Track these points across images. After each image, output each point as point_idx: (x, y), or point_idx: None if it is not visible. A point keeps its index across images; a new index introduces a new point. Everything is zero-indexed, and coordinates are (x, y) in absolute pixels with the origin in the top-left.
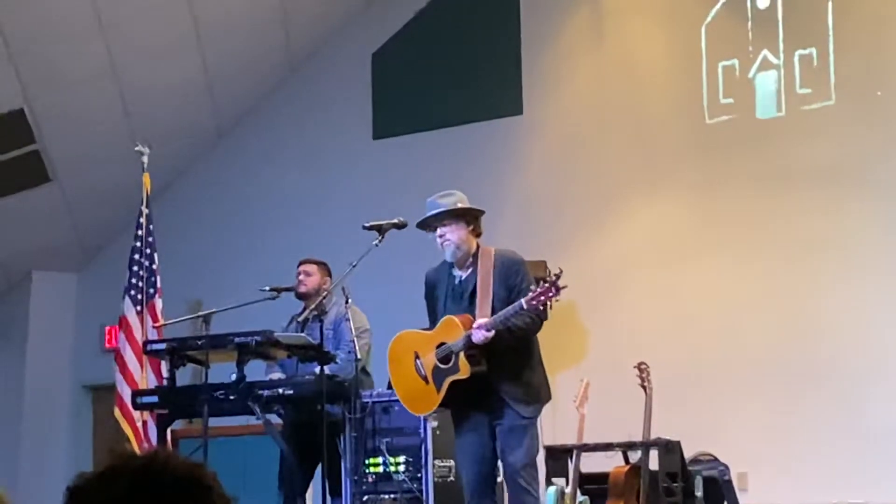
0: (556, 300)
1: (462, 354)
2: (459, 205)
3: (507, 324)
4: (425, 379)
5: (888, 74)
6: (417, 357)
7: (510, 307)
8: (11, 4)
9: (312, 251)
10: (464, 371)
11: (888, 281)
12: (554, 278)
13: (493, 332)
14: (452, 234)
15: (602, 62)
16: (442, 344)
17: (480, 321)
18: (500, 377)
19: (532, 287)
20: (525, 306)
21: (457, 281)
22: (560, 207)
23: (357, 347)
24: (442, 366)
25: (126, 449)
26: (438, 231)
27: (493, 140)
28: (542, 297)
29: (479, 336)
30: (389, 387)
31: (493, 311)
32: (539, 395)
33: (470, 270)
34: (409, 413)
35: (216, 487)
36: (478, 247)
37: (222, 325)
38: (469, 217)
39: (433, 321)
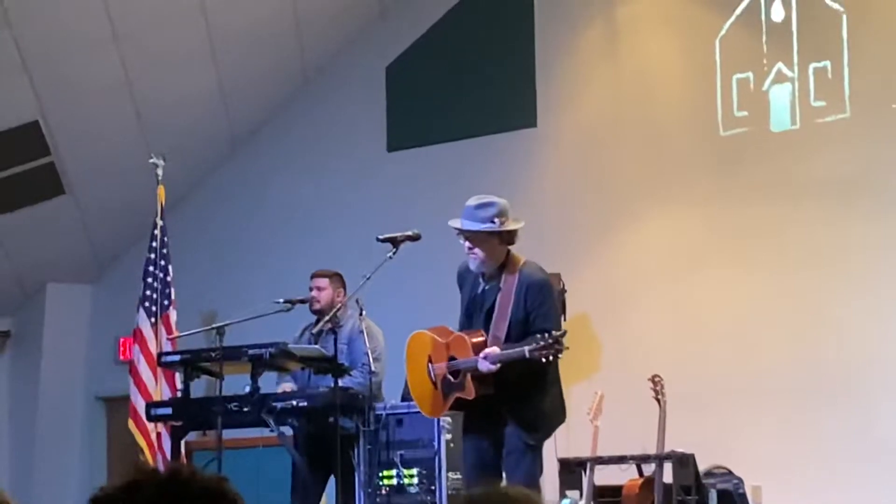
0: (560, 357)
1: (469, 375)
2: (496, 221)
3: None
4: (435, 385)
5: None
6: (430, 361)
7: (514, 352)
8: (26, 16)
9: (326, 263)
10: (469, 392)
11: None
12: (558, 336)
13: (497, 366)
14: (479, 251)
15: (616, 75)
16: (453, 357)
17: (488, 352)
18: (509, 401)
19: (549, 322)
20: (527, 355)
21: (479, 290)
22: (574, 219)
23: (372, 363)
24: (451, 379)
25: (149, 463)
26: (467, 243)
27: (508, 152)
28: (545, 352)
29: (483, 367)
30: (403, 399)
31: (509, 332)
32: (549, 421)
33: (493, 283)
34: (423, 425)
35: (239, 499)
36: (507, 256)
37: (236, 337)
38: (503, 233)
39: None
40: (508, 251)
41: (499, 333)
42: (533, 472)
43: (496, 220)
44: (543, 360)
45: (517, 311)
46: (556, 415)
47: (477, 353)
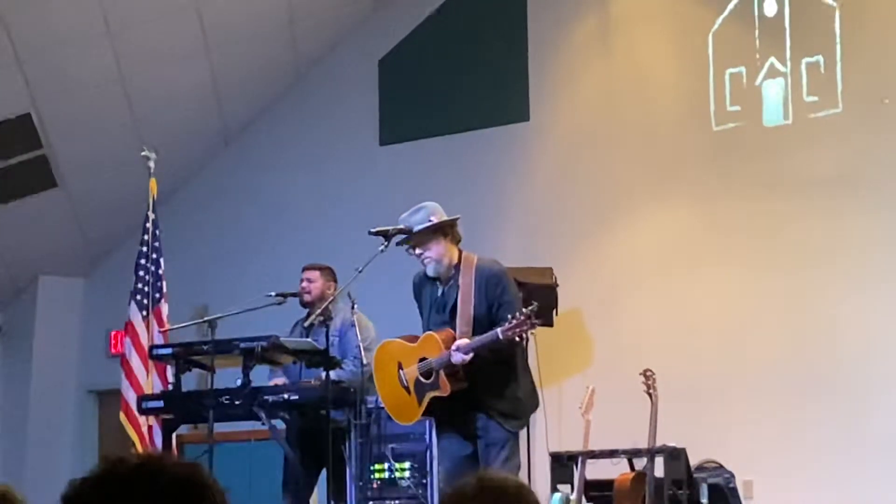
0: (532, 333)
1: (442, 372)
2: (432, 218)
3: (485, 347)
4: (407, 390)
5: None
6: (400, 367)
7: (487, 335)
8: (19, 9)
9: (319, 257)
10: (444, 389)
11: None
12: (529, 312)
13: (470, 355)
14: (431, 252)
15: (609, 69)
16: (424, 358)
17: (459, 343)
18: (485, 392)
19: (513, 311)
20: (500, 337)
21: (439, 293)
22: (566, 214)
23: (363, 355)
24: (424, 380)
25: (118, 454)
26: (417, 250)
27: (500, 146)
28: (518, 329)
29: (457, 358)
30: None
31: (475, 325)
32: (525, 407)
33: (451, 282)
34: None
35: (213, 485)
36: (460, 255)
37: (228, 330)
38: (445, 228)
39: (423, 322)
40: (460, 251)
41: (465, 328)
42: (516, 462)
43: (432, 217)
44: (517, 338)
45: (479, 304)
46: (531, 401)
47: (448, 348)
